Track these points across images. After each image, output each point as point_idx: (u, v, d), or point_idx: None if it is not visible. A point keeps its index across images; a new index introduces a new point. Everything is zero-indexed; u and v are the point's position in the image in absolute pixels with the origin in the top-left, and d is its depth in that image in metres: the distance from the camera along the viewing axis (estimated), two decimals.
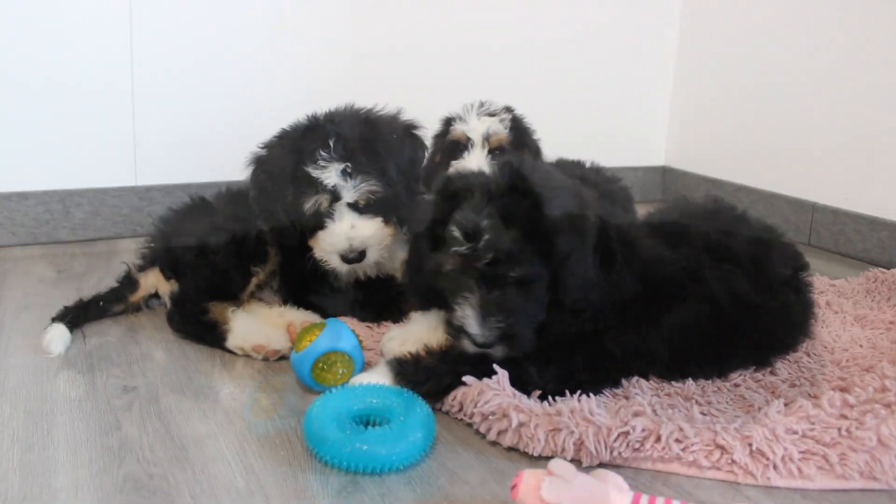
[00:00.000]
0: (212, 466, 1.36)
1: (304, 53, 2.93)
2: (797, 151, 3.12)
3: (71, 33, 2.56)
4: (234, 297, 1.90)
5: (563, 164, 2.72)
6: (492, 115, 2.37)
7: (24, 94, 2.54)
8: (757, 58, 3.29)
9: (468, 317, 1.49)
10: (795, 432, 1.43)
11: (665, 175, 3.83)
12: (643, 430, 1.39)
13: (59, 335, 1.82)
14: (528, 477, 1.15)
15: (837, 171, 2.96)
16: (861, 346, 1.89)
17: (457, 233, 1.48)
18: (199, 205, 2.05)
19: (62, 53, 2.56)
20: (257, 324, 1.82)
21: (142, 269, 2.04)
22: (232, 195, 2.08)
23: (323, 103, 2.94)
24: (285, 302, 1.97)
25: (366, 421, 1.46)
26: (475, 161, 2.33)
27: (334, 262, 1.84)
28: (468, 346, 1.52)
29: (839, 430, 1.43)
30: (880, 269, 2.41)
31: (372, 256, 1.85)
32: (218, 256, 1.88)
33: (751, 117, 3.33)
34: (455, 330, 1.54)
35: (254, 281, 1.93)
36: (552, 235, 1.49)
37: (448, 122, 2.43)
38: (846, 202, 2.93)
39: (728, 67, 3.45)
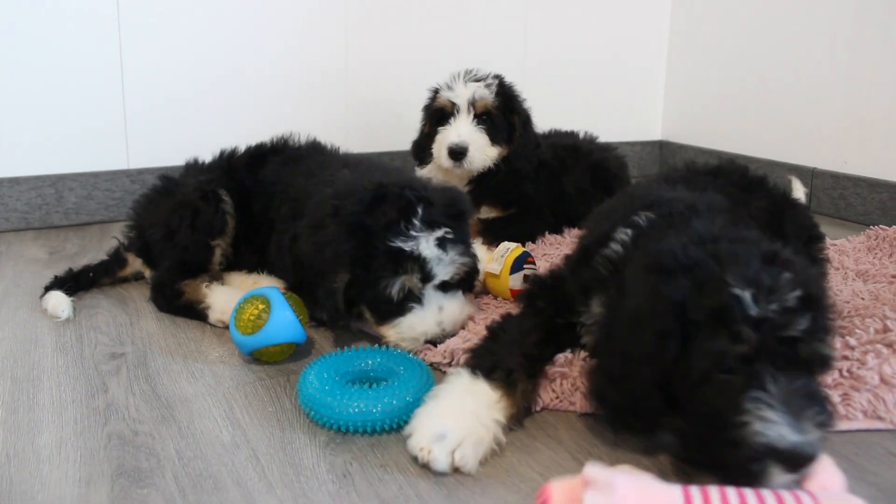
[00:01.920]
0: (198, 423, 1.33)
1: (295, 31, 2.91)
2: (794, 119, 3.08)
3: (60, 20, 2.54)
4: (204, 270, 1.86)
5: (557, 135, 2.70)
6: (478, 80, 2.34)
7: (15, 80, 2.52)
8: (751, 29, 3.25)
9: (773, 424, 0.99)
10: None
11: (662, 149, 3.79)
12: None
13: (61, 300, 1.82)
14: (559, 492, 0.98)
15: (836, 136, 2.93)
16: (863, 298, 1.86)
17: (742, 291, 1.05)
18: (164, 186, 1.99)
19: (52, 40, 2.54)
20: (234, 295, 1.76)
21: (128, 249, 2.03)
22: (190, 167, 2.04)
23: (316, 79, 2.96)
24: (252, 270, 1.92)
25: (364, 382, 1.42)
26: (463, 128, 2.30)
27: (410, 346, 1.53)
28: (782, 475, 1.00)
29: (840, 371, 1.40)
30: (881, 226, 2.37)
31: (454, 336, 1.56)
32: (179, 234, 1.83)
33: (747, 87, 3.30)
34: (746, 460, 1.00)
35: (217, 252, 1.87)
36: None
37: (435, 91, 2.40)
38: (845, 166, 2.89)
39: (722, 39, 3.41)
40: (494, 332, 1.41)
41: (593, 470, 0.95)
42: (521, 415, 1.30)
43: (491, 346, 1.35)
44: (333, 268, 1.51)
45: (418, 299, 1.50)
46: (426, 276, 1.48)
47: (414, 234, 1.45)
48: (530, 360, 1.33)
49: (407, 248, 1.45)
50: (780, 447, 0.97)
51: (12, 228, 2.60)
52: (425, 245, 1.46)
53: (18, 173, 2.59)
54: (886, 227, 2.34)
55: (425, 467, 1.17)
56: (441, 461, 1.15)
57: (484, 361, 1.29)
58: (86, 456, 1.23)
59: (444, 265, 1.48)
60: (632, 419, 1.16)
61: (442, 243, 1.48)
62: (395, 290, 1.47)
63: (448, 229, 1.49)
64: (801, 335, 1.04)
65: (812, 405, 1.02)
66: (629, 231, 1.33)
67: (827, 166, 2.95)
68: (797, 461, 0.98)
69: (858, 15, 2.79)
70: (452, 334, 1.56)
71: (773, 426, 0.98)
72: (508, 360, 1.30)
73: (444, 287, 1.53)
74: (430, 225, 1.48)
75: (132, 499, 1.11)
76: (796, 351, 1.04)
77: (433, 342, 1.53)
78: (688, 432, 1.09)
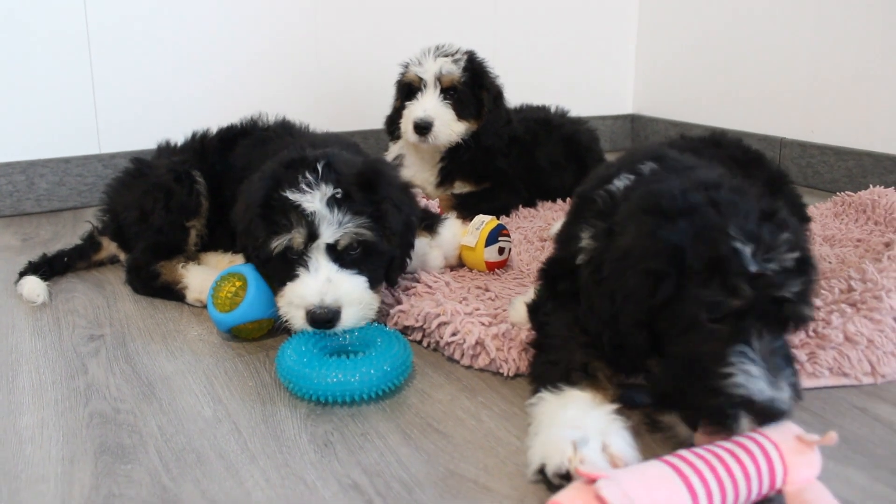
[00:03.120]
0: (179, 399, 1.35)
1: (263, 8, 2.89)
2: (763, 90, 3.12)
3: (28, 4, 2.51)
4: (180, 251, 1.87)
5: (528, 109, 2.72)
6: (446, 56, 2.35)
7: None
8: (720, 2, 3.28)
9: (754, 378, 1.04)
10: None
11: (634, 122, 3.82)
12: None
13: (37, 285, 1.82)
14: (571, 495, 0.95)
15: (802, 106, 2.97)
16: (830, 262, 1.90)
17: (743, 246, 1.07)
18: (135, 168, 1.98)
19: (19, 25, 2.51)
20: (210, 274, 1.77)
21: (102, 232, 2.02)
22: (162, 150, 2.04)
23: (285, 61, 2.95)
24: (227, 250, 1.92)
25: (342, 355, 1.41)
26: (428, 102, 2.32)
27: (297, 322, 1.44)
28: (751, 425, 1.05)
29: (807, 330, 1.43)
30: (847, 192, 2.42)
31: (349, 321, 1.44)
32: (154, 216, 1.83)
33: (715, 60, 3.33)
34: (722, 407, 1.05)
35: (193, 233, 1.88)
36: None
37: (406, 66, 2.41)
38: (812, 135, 2.94)
39: (692, 13, 3.44)
40: (540, 343, 1.32)
41: (594, 471, 0.95)
42: (615, 399, 1.17)
43: (548, 358, 1.26)
44: (248, 218, 1.50)
45: (306, 265, 1.45)
46: (312, 235, 1.43)
47: (305, 188, 1.43)
48: (589, 346, 1.23)
49: (295, 200, 1.43)
50: (757, 400, 1.02)
51: None
52: (312, 200, 1.43)
53: None
54: (852, 194, 2.39)
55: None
56: (598, 460, 1.03)
57: (555, 374, 1.19)
58: (68, 435, 1.23)
59: (331, 225, 1.42)
60: (618, 356, 1.18)
61: (333, 203, 1.43)
62: (282, 245, 1.44)
63: (340, 191, 1.44)
64: (792, 297, 1.07)
65: (788, 366, 1.08)
66: (632, 177, 1.33)
67: (795, 136, 3.00)
68: (770, 414, 1.03)
69: None
70: (340, 318, 1.43)
71: (754, 381, 1.03)
72: (574, 359, 1.21)
73: (343, 262, 1.46)
74: (325, 183, 1.45)
75: (116, 474, 1.13)
76: (782, 310, 1.08)
77: (319, 321, 1.41)
78: (666, 374, 1.12)
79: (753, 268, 1.06)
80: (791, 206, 1.68)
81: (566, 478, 1.02)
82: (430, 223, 1.87)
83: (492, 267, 1.86)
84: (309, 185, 1.44)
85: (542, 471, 1.06)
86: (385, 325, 1.54)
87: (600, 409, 1.12)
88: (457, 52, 2.37)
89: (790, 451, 1.02)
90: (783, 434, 1.04)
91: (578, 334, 1.24)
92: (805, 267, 1.10)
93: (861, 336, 1.39)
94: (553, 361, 1.22)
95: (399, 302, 1.61)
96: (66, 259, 1.98)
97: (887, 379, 1.38)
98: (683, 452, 1.01)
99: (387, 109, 2.58)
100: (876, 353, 1.38)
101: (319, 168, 1.46)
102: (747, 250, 1.06)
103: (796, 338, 1.42)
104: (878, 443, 1.20)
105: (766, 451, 1.01)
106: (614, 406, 1.13)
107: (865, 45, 2.73)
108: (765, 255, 1.07)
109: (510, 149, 2.46)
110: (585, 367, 1.19)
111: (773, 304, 1.07)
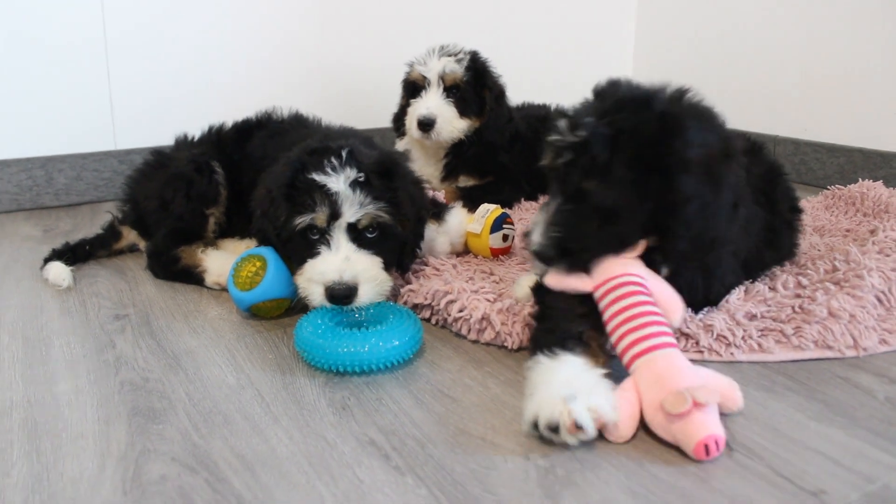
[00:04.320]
0: (203, 370, 1.44)
1: (273, 11, 2.99)
2: (757, 89, 3.22)
3: (45, 3, 2.60)
4: (199, 237, 1.96)
5: (530, 107, 2.81)
6: (450, 55, 2.45)
7: (2, 66, 2.58)
8: (716, 3, 3.38)
9: (536, 223, 1.37)
10: (754, 316, 1.52)
11: None
12: None
13: (62, 270, 1.92)
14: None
15: (795, 105, 3.07)
16: (819, 250, 1.99)
17: (561, 122, 1.34)
18: (156, 160, 2.08)
19: (36, 24, 2.60)
20: (228, 259, 1.85)
21: (122, 222, 2.11)
22: (180, 143, 2.13)
23: (298, 57, 3.04)
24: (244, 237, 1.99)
25: (357, 329, 1.50)
26: (431, 100, 2.42)
27: (316, 298, 1.53)
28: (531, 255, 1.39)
29: (793, 307, 1.52)
30: (838, 186, 2.51)
31: (365, 298, 1.54)
32: (174, 205, 1.92)
33: (711, 61, 3.43)
34: (526, 234, 1.41)
35: (212, 220, 1.97)
36: (675, 173, 1.29)
37: (410, 66, 2.51)
38: (805, 133, 3.03)
39: (688, 12, 3.54)
40: (541, 315, 1.40)
41: None
42: (605, 364, 1.28)
43: (546, 326, 1.35)
44: (271, 198, 1.61)
45: (327, 244, 1.54)
46: (335, 213, 1.53)
47: (330, 171, 1.54)
48: (586, 316, 1.34)
49: (320, 181, 1.53)
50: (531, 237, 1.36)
51: (3, 210, 2.67)
52: (336, 181, 1.53)
53: (8, 156, 2.66)
54: (842, 187, 2.48)
55: (563, 446, 1.16)
56: (583, 414, 1.13)
57: (551, 341, 1.28)
58: (102, 400, 1.32)
59: (353, 206, 1.53)
60: None
61: (355, 185, 1.54)
62: (305, 223, 1.54)
63: (362, 175, 1.55)
64: (568, 162, 1.34)
65: (561, 226, 1.34)
66: None
67: (788, 133, 3.09)
68: (529, 247, 1.38)
69: None
70: (357, 294, 1.52)
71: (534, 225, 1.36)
72: (570, 328, 1.31)
73: (360, 243, 1.56)
74: (348, 167, 1.55)
75: (150, 433, 1.21)
76: (577, 181, 1.34)
77: (337, 297, 1.51)
78: None
79: None
80: (785, 198, 1.79)
81: (555, 430, 1.13)
82: (437, 211, 1.96)
83: (496, 253, 1.95)
84: (334, 168, 1.55)
85: (536, 425, 1.16)
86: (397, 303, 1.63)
87: (591, 373, 1.23)
88: (460, 52, 2.47)
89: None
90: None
91: (576, 306, 1.35)
92: None
93: (844, 311, 1.48)
94: (551, 329, 1.32)
95: (409, 282, 1.70)
96: (87, 247, 2.07)
97: (869, 352, 1.47)
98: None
99: (390, 108, 2.67)
100: (858, 327, 1.47)
101: (344, 154, 1.57)
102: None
103: (783, 312, 1.51)
104: (857, 407, 1.28)
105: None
106: (604, 371, 1.24)
107: (856, 45, 2.83)
108: None
109: (512, 145, 2.55)
110: (580, 335, 1.29)
111: None
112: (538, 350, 1.28)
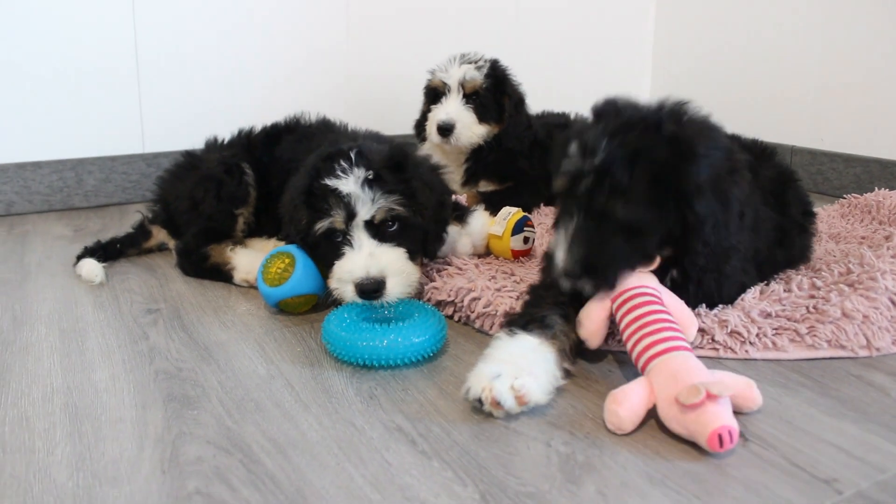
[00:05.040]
0: (235, 361, 1.49)
1: (304, 13, 3.06)
2: (774, 98, 3.26)
3: (76, 8, 2.68)
4: (228, 236, 2.01)
5: (549, 115, 2.86)
6: (470, 63, 2.51)
7: (35, 70, 2.66)
8: (734, 13, 3.42)
9: (556, 243, 1.38)
10: (769, 314, 1.55)
11: None
12: None
13: (94, 266, 1.98)
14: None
15: (812, 115, 3.10)
16: (834, 255, 2.02)
17: (573, 146, 1.36)
18: (187, 161, 2.15)
19: (70, 30, 2.68)
20: (257, 257, 1.91)
21: (152, 221, 2.18)
22: (210, 145, 2.20)
23: (319, 70, 3.11)
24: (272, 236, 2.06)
25: (383, 324, 1.53)
26: (451, 106, 2.48)
27: (348, 296, 1.59)
28: (556, 276, 1.39)
29: (808, 307, 1.56)
30: (854, 194, 2.54)
31: (395, 291, 1.59)
32: (204, 205, 1.98)
33: (729, 70, 3.47)
34: (547, 257, 1.43)
35: (241, 220, 2.03)
36: (692, 197, 1.34)
37: (432, 73, 2.58)
38: (822, 143, 3.06)
39: (707, 22, 3.58)
40: (526, 300, 1.50)
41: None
42: (572, 351, 1.40)
43: (523, 309, 1.46)
44: (293, 206, 1.68)
45: (350, 244, 1.60)
46: (350, 214, 1.59)
47: (341, 174, 1.60)
48: (561, 305, 1.43)
49: (333, 185, 1.59)
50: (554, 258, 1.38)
51: (35, 210, 2.74)
52: (347, 183, 1.59)
53: (40, 157, 2.73)
54: (859, 196, 2.51)
55: (490, 416, 1.25)
56: (503, 392, 1.22)
57: (519, 320, 1.39)
58: (138, 387, 1.38)
59: (366, 204, 1.58)
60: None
61: (366, 183, 1.59)
62: (325, 226, 1.61)
63: (372, 172, 1.60)
64: (592, 186, 1.36)
65: (587, 245, 1.36)
66: None
67: (805, 143, 3.13)
68: (555, 269, 1.38)
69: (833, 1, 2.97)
70: (386, 287, 1.57)
71: (556, 245, 1.39)
72: (536, 312, 1.40)
73: (382, 238, 1.61)
74: (357, 168, 1.60)
75: (185, 418, 1.26)
76: (598, 203, 1.36)
77: (367, 291, 1.56)
78: None
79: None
80: (798, 201, 1.82)
81: (480, 403, 1.24)
82: (460, 214, 2.01)
83: (517, 255, 1.99)
84: (344, 171, 1.61)
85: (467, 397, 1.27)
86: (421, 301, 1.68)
87: (539, 353, 1.31)
88: (480, 60, 2.53)
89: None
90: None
91: (555, 295, 1.44)
92: None
93: (857, 312, 1.51)
94: (521, 314, 1.43)
95: (433, 280, 1.75)
96: (118, 245, 2.13)
97: (882, 352, 1.50)
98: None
99: (411, 116, 2.73)
100: (871, 328, 1.50)
101: (352, 156, 1.63)
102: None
103: (797, 312, 1.54)
104: (870, 403, 1.32)
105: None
106: (558, 354, 1.33)
107: (873, 56, 2.87)
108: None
109: (532, 151, 2.60)
110: (543, 319, 1.38)
111: None
112: (502, 328, 1.39)
